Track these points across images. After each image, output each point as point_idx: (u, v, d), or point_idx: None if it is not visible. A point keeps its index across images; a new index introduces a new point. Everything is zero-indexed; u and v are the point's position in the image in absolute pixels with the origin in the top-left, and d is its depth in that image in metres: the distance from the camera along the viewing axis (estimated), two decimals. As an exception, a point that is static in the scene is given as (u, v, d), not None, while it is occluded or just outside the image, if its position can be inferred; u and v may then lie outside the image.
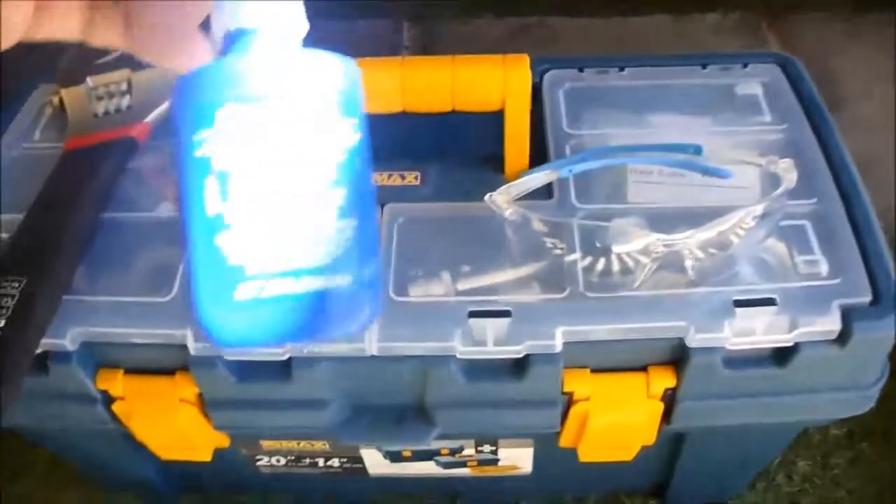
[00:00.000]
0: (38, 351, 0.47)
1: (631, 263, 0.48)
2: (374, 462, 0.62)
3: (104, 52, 0.54)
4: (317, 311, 0.19)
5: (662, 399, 0.49)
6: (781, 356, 0.47)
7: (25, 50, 0.20)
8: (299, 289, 0.18)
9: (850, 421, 0.74)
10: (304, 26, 0.20)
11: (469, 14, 1.10)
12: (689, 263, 0.46)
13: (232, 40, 0.19)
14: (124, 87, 0.58)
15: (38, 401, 0.51)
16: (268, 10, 0.19)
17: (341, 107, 0.19)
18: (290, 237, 0.18)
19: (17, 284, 0.47)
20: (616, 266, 0.47)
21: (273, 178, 0.18)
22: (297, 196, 0.18)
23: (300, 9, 0.20)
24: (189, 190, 0.19)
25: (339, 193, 0.19)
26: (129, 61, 0.56)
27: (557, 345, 0.46)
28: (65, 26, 0.22)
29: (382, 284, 0.47)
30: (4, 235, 0.52)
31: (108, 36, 0.22)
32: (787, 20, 1.14)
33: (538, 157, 0.55)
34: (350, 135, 0.20)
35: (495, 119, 0.53)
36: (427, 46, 1.03)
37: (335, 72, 0.19)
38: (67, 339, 0.48)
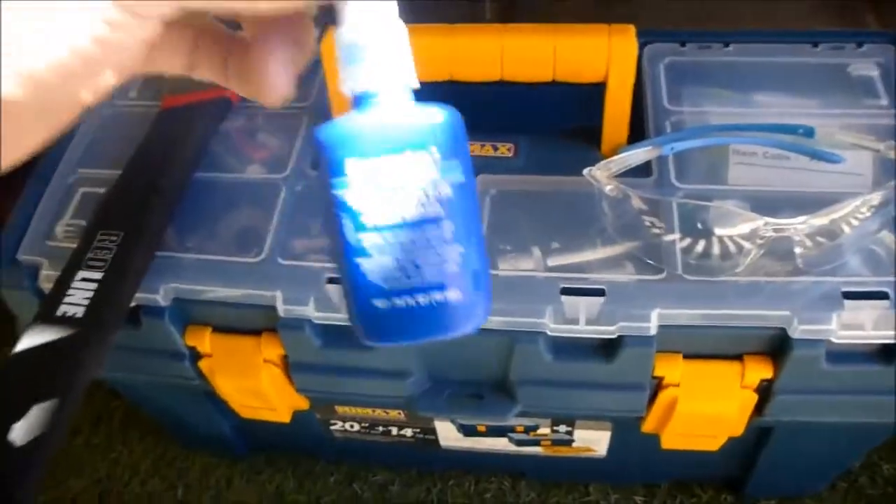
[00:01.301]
0: (132, 305, 0.48)
1: (732, 247, 0.45)
2: (447, 434, 0.62)
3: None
4: (436, 319, 0.25)
5: (757, 390, 0.47)
6: (888, 353, 0.45)
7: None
8: (421, 302, 0.24)
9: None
10: (415, 83, 0.24)
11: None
12: (797, 251, 0.44)
13: (357, 99, 0.24)
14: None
15: (128, 353, 0.52)
16: (385, 76, 0.23)
17: (448, 152, 0.23)
18: (412, 262, 0.24)
19: (114, 238, 0.48)
20: (717, 249, 0.45)
21: (395, 215, 0.23)
22: (413, 229, 0.23)
23: (412, 71, 0.24)
24: (333, 220, 0.24)
25: (448, 226, 0.24)
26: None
27: (652, 327, 0.44)
28: (171, 64, 0.25)
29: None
30: (101, 190, 0.53)
31: (208, 73, 0.25)
32: (890, 5, 1.08)
33: (634, 133, 0.53)
34: (456, 175, 0.24)
35: (593, 92, 0.51)
36: (508, 21, 1.00)
37: (442, 123, 0.24)
38: (160, 295, 0.48)
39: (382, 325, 0.25)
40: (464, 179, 0.24)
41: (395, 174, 0.23)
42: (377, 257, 0.24)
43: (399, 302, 0.24)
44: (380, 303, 0.24)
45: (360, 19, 0.23)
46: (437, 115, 0.24)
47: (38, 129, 0.22)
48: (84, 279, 0.46)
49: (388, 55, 0.23)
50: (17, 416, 0.39)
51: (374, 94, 0.24)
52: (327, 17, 0.25)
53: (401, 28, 0.23)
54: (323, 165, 0.24)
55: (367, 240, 0.24)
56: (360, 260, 0.24)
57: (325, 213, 0.24)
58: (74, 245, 0.48)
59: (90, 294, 0.45)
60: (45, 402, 0.40)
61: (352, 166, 0.23)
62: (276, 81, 0.24)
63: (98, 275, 0.46)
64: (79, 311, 0.44)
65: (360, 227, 0.24)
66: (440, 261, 0.24)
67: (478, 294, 0.25)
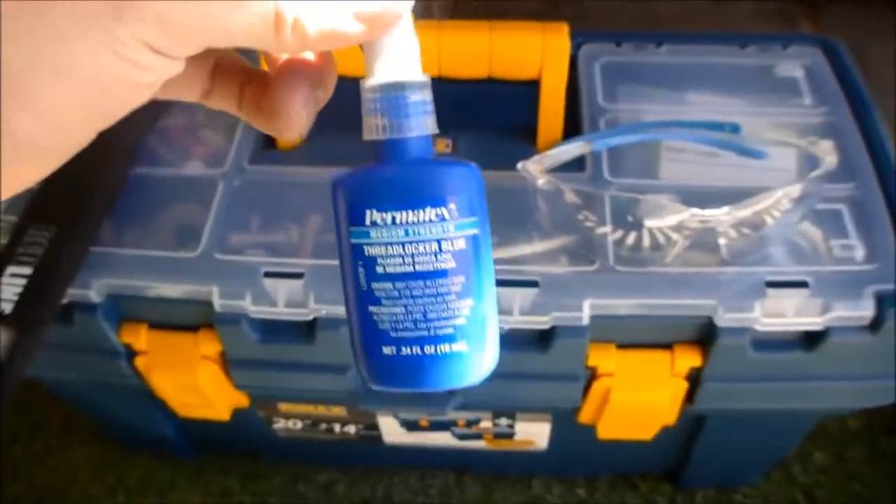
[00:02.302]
0: (64, 301, 0.48)
1: (662, 239, 0.47)
2: (390, 430, 0.62)
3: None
4: (442, 369, 0.25)
5: (687, 378, 0.49)
6: (810, 340, 0.47)
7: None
8: (427, 352, 0.24)
9: (869, 414, 0.74)
10: (435, 130, 0.25)
11: (500, -10, 1.09)
12: (722, 242, 0.45)
13: (379, 149, 0.24)
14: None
15: (61, 352, 0.51)
16: (408, 128, 0.24)
17: (465, 208, 0.24)
18: (421, 312, 0.24)
19: (45, 233, 0.47)
20: (647, 241, 0.47)
21: (408, 266, 0.24)
22: (425, 281, 0.24)
23: (432, 120, 0.24)
24: (347, 265, 0.25)
25: (459, 279, 0.24)
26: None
27: (585, 317, 0.45)
28: (188, 93, 0.25)
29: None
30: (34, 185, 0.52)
31: (223, 103, 0.25)
32: (823, 9, 1.12)
33: (570, 130, 0.54)
34: (469, 231, 0.24)
35: (529, 90, 0.52)
36: (455, 18, 1.02)
37: (462, 179, 0.24)
38: (93, 291, 0.48)
39: (388, 372, 0.25)
40: (479, 232, 0.25)
41: (413, 227, 0.24)
42: (387, 304, 0.24)
43: (406, 350, 0.24)
44: (387, 350, 0.25)
45: (387, 70, 0.23)
46: (459, 171, 0.24)
47: (48, 161, 0.22)
48: (13, 275, 0.45)
49: (414, 107, 0.24)
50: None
51: (396, 145, 0.24)
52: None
53: (426, 79, 0.24)
54: (341, 212, 0.24)
55: (380, 288, 0.24)
56: (371, 307, 0.24)
57: (339, 258, 0.25)
58: (4, 241, 0.47)
59: (19, 290, 0.45)
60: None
61: (370, 217, 0.24)
62: (297, 118, 0.24)
63: (28, 270, 0.45)
64: (7, 308, 0.44)
65: (373, 275, 0.24)
66: (449, 313, 0.24)
67: (485, 347, 0.25)
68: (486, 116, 0.55)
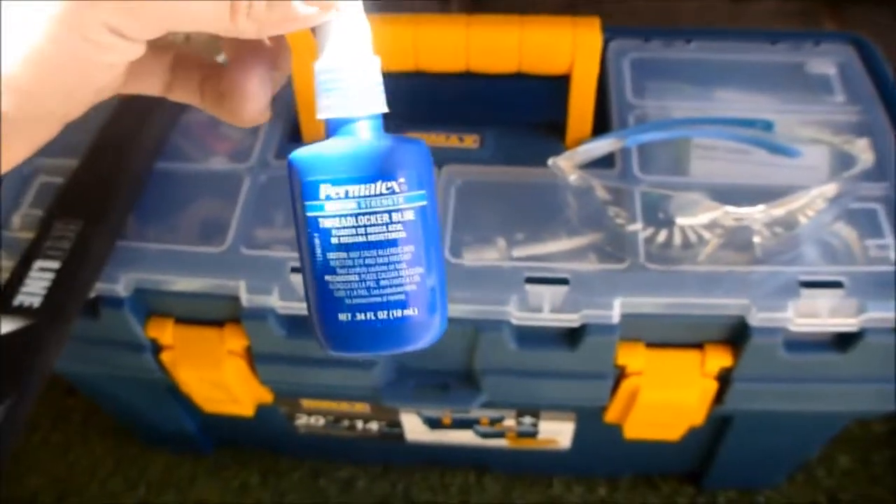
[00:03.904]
0: (91, 295, 0.47)
1: (693, 237, 0.46)
2: (413, 428, 0.61)
3: None
4: (394, 334, 0.26)
5: (717, 378, 0.48)
6: (844, 342, 0.46)
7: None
8: (381, 318, 0.26)
9: (894, 418, 0.73)
10: (385, 110, 0.26)
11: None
12: (756, 240, 0.44)
13: (331, 126, 0.26)
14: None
15: (87, 345, 0.51)
16: (358, 105, 0.25)
17: (414, 181, 0.25)
18: (374, 280, 0.26)
19: (73, 227, 0.47)
20: (678, 239, 0.46)
21: (361, 236, 0.25)
22: (378, 250, 0.25)
23: (382, 97, 0.26)
24: (303, 237, 0.26)
25: (409, 248, 0.26)
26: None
27: (615, 315, 0.45)
28: (149, 85, 0.26)
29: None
30: (59, 179, 0.52)
31: (184, 95, 0.27)
32: (845, 8, 1.11)
33: (598, 126, 0.54)
34: (419, 203, 0.26)
35: (558, 85, 0.52)
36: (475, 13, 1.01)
37: (406, 155, 0.26)
38: (121, 285, 0.48)
39: (344, 337, 0.26)
40: (427, 204, 0.26)
41: (364, 200, 0.25)
42: (342, 273, 0.26)
43: (360, 316, 0.26)
44: (343, 316, 0.26)
45: (337, 51, 0.25)
46: (408, 147, 0.26)
47: (17, 145, 0.22)
48: (42, 269, 0.45)
49: (363, 86, 0.25)
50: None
51: (348, 122, 0.26)
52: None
53: (374, 60, 0.25)
54: (297, 187, 0.26)
55: (334, 257, 0.26)
56: (327, 276, 0.26)
57: (296, 230, 0.26)
58: (31, 235, 0.47)
59: (48, 283, 0.44)
60: (1, 394, 0.39)
61: (324, 190, 0.25)
62: (252, 101, 0.25)
63: (56, 264, 0.45)
64: (36, 301, 0.44)
65: (328, 246, 0.26)
66: (400, 280, 0.26)
67: (433, 312, 0.27)
68: (514, 111, 0.54)
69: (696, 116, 0.53)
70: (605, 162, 0.51)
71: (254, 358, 0.50)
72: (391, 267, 0.26)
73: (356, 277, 0.26)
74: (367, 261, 0.26)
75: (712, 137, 0.51)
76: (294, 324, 0.48)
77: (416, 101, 0.54)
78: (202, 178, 0.53)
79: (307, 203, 0.25)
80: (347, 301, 0.26)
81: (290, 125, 0.56)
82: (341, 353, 0.27)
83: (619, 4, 1.07)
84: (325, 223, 0.25)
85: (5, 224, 0.50)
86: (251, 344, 0.49)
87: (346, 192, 0.25)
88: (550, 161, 0.46)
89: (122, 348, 0.51)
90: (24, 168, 0.53)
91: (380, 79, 0.26)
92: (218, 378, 0.51)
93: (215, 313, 0.49)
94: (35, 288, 0.44)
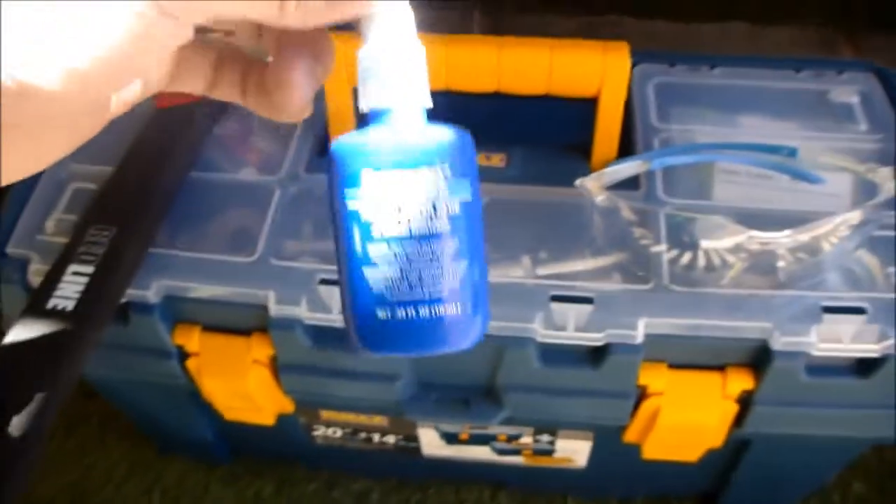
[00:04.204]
0: (123, 300, 0.48)
1: (717, 260, 0.47)
2: (430, 442, 0.62)
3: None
4: (434, 332, 0.25)
5: (737, 401, 0.48)
6: (865, 367, 0.46)
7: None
8: (422, 314, 0.25)
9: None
10: (429, 103, 0.25)
11: (539, 9, 1.09)
12: (780, 265, 0.45)
13: (374, 115, 0.25)
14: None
15: (115, 350, 0.52)
16: (401, 94, 0.25)
17: (459, 171, 0.24)
18: (416, 274, 0.24)
19: (106, 234, 0.48)
20: (702, 261, 0.47)
21: (403, 227, 0.24)
22: (421, 243, 0.24)
23: (426, 90, 0.25)
24: (342, 230, 0.25)
25: (454, 241, 0.24)
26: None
27: (639, 335, 0.45)
28: (194, 83, 0.26)
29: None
30: (93, 186, 0.53)
31: (228, 93, 0.26)
32: (863, 35, 1.12)
33: (623, 149, 0.55)
34: (464, 194, 0.25)
35: (585, 107, 0.53)
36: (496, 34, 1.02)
37: (456, 142, 0.25)
38: (151, 291, 0.48)
39: (380, 335, 0.25)
40: (471, 199, 0.25)
41: (408, 188, 0.24)
42: (382, 267, 0.24)
43: (400, 313, 0.25)
44: (382, 313, 0.25)
45: (382, 39, 0.24)
46: (452, 135, 0.25)
47: (60, 136, 0.23)
48: (75, 273, 0.46)
49: (407, 74, 0.25)
50: (5, 409, 0.39)
51: (391, 111, 0.25)
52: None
53: (419, 49, 0.25)
54: (335, 176, 0.25)
55: (375, 250, 0.24)
56: (365, 269, 0.25)
57: (333, 222, 0.25)
58: (64, 240, 0.48)
59: (81, 288, 0.45)
60: (33, 395, 0.40)
61: (366, 178, 0.24)
62: (296, 95, 0.25)
63: (89, 269, 0.46)
64: (69, 305, 0.44)
65: (369, 238, 0.24)
66: (444, 275, 0.25)
67: (477, 311, 0.26)
68: (541, 132, 0.55)
69: (720, 141, 0.53)
70: (630, 184, 0.51)
71: (279, 368, 0.51)
72: (435, 261, 0.24)
73: (397, 271, 0.24)
74: (410, 254, 0.24)
75: (736, 162, 0.51)
76: (321, 334, 0.49)
77: (444, 119, 0.55)
78: (233, 189, 0.54)
79: (347, 192, 0.24)
80: (387, 297, 0.25)
81: (319, 140, 0.57)
82: (378, 353, 0.26)
83: (639, 24, 1.08)
84: (366, 214, 0.24)
85: (39, 229, 0.51)
86: (277, 353, 0.50)
87: (389, 180, 0.24)
88: (578, 182, 0.47)
89: (149, 354, 0.52)
90: (59, 174, 0.54)
91: (425, 70, 0.25)
92: (242, 387, 0.52)
93: (242, 322, 0.50)
94: (69, 292, 0.45)
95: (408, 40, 0.24)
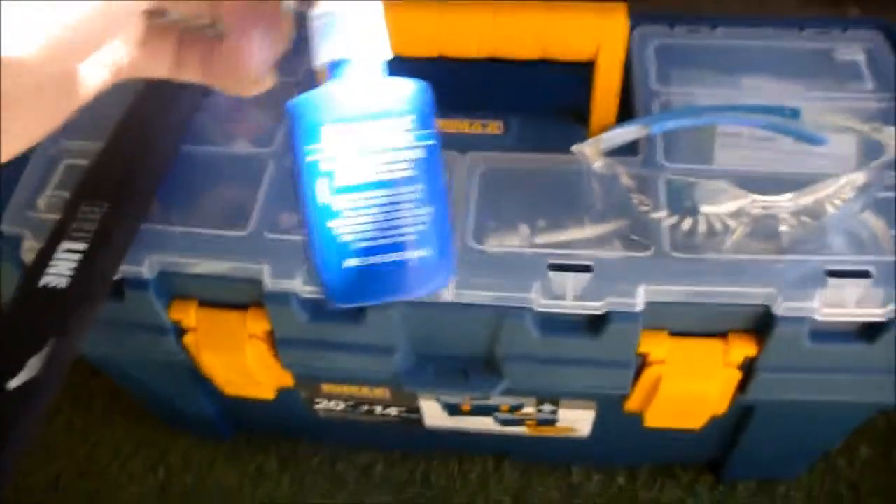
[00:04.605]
0: (116, 277, 0.48)
1: (718, 225, 0.46)
2: (432, 413, 0.62)
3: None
4: (405, 276, 0.26)
5: (740, 368, 0.48)
6: (870, 332, 0.46)
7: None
8: (390, 259, 0.25)
9: (917, 410, 0.72)
10: (388, 55, 0.25)
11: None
12: (783, 229, 0.44)
13: (332, 68, 0.25)
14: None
15: (111, 327, 0.52)
16: (359, 44, 0.25)
17: (417, 121, 0.25)
18: (382, 222, 0.25)
19: (97, 210, 0.47)
20: (703, 227, 0.46)
21: (366, 177, 0.25)
22: (386, 190, 0.25)
23: (386, 41, 0.25)
24: (304, 185, 0.25)
25: (419, 187, 0.25)
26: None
27: (639, 303, 0.44)
28: (157, 67, 0.26)
29: (462, 232, 0.47)
30: (84, 161, 0.52)
31: (192, 73, 0.27)
32: (871, -3, 1.09)
33: (622, 113, 0.53)
34: (427, 141, 0.25)
35: (582, 72, 0.51)
36: None
37: (412, 93, 0.25)
38: (145, 267, 0.48)
39: (352, 286, 0.25)
40: (433, 145, 0.25)
41: (372, 138, 0.24)
42: (351, 217, 0.25)
43: (370, 260, 0.25)
44: (352, 262, 0.25)
45: None
46: (414, 85, 0.25)
47: (36, 112, 0.23)
48: (68, 250, 0.45)
49: (364, 25, 0.25)
50: (-1, 386, 0.39)
51: (349, 62, 0.25)
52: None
53: (376, 3, 0.25)
54: (297, 133, 0.25)
55: (341, 201, 0.25)
56: (332, 222, 0.25)
57: (295, 178, 0.25)
58: (57, 216, 0.47)
59: (74, 265, 0.45)
60: (27, 374, 0.40)
61: (326, 131, 0.24)
62: (251, 64, 0.25)
63: (82, 245, 0.46)
64: (62, 282, 0.44)
65: (334, 190, 0.25)
66: (411, 220, 0.25)
67: (444, 254, 0.26)
68: (537, 98, 0.54)
69: (721, 104, 0.52)
70: (629, 149, 0.50)
71: (276, 342, 0.50)
72: (401, 206, 0.25)
73: (364, 219, 0.25)
74: (376, 201, 0.25)
75: (738, 124, 0.50)
76: (317, 308, 0.48)
77: (439, 86, 0.53)
78: (226, 162, 0.53)
79: (307, 147, 0.25)
80: (355, 245, 0.25)
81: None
82: (350, 302, 0.26)
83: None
84: (328, 167, 0.24)
85: (32, 206, 0.51)
86: (273, 328, 0.49)
87: (349, 132, 0.24)
88: (575, 148, 0.46)
89: (146, 331, 0.52)
90: (50, 150, 0.54)
91: (383, 22, 0.25)
92: (240, 361, 0.52)
93: (238, 297, 0.49)
94: (62, 269, 0.44)
95: None
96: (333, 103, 0.24)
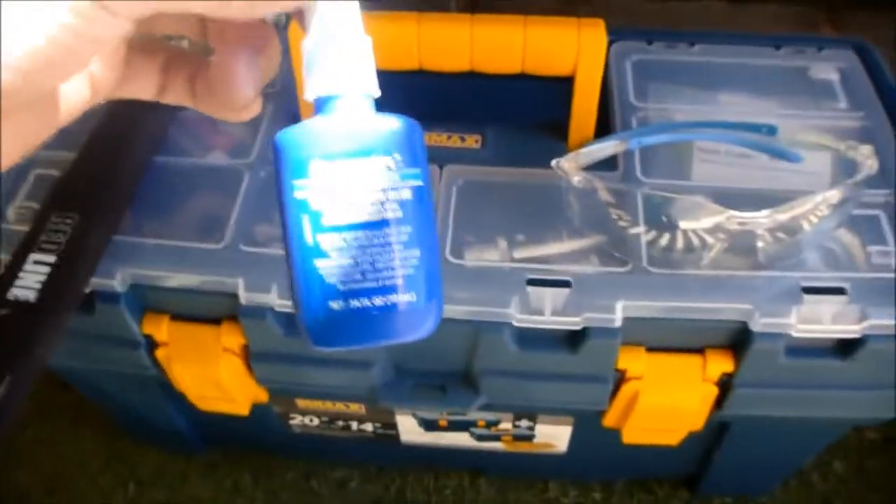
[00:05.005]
0: (87, 290, 0.47)
1: (696, 241, 0.46)
2: (408, 429, 0.61)
3: None
4: (390, 321, 0.24)
5: (717, 384, 0.48)
6: (846, 348, 0.46)
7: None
8: (377, 304, 0.24)
9: (888, 425, 0.73)
10: (377, 92, 0.25)
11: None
12: (760, 245, 0.44)
13: (320, 105, 0.24)
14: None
15: (81, 340, 0.51)
16: (347, 82, 0.24)
17: (410, 159, 0.24)
18: (369, 263, 0.24)
19: (69, 221, 0.46)
20: (680, 243, 0.46)
21: (356, 216, 0.24)
22: (373, 231, 0.24)
23: (374, 78, 0.25)
24: (290, 222, 0.24)
25: (406, 229, 0.24)
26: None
27: (617, 319, 0.44)
28: (142, 88, 0.26)
29: (440, 246, 0.46)
30: (55, 172, 0.51)
31: (177, 96, 0.26)
32: (844, 15, 1.11)
33: (600, 128, 0.53)
34: (414, 182, 0.24)
35: (561, 87, 0.51)
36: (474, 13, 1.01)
37: (406, 130, 0.24)
38: (117, 280, 0.47)
39: (335, 328, 0.24)
40: (422, 185, 0.25)
41: (357, 177, 0.24)
42: (335, 258, 0.24)
43: (355, 303, 0.24)
44: (335, 304, 0.24)
45: (327, 27, 0.24)
46: (401, 123, 0.24)
47: (14, 134, 0.22)
48: (37, 262, 0.44)
49: (353, 62, 0.24)
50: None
51: (338, 98, 0.24)
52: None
53: (366, 38, 0.24)
54: (283, 167, 0.24)
55: (326, 241, 0.24)
56: (317, 262, 0.24)
57: (281, 214, 0.25)
58: (27, 228, 0.46)
59: (43, 278, 0.44)
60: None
61: (315, 167, 0.24)
62: (240, 87, 0.24)
63: (51, 258, 0.45)
64: (31, 295, 0.43)
65: (320, 228, 0.24)
66: (398, 263, 0.24)
67: (431, 298, 0.25)
68: (516, 112, 0.54)
69: (699, 120, 0.52)
70: (608, 164, 0.50)
71: (250, 356, 0.50)
72: (387, 249, 0.24)
73: (350, 261, 0.24)
74: (362, 242, 0.24)
75: (716, 141, 0.51)
76: (292, 322, 0.47)
77: (418, 99, 0.53)
78: (201, 173, 0.52)
79: (295, 182, 0.24)
80: (340, 287, 0.24)
81: (292, 122, 0.55)
82: (333, 346, 0.25)
83: (618, 2, 1.07)
84: (315, 203, 0.24)
85: (1, 216, 0.50)
86: (248, 342, 0.49)
87: (339, 170, 0.23)
88: (554, 162, 0.46)
89: (117, 344, 0.51)
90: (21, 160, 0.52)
91: (372, 59, 0.25)
92: (213, 376, 0.51)
93: (212, 310, 0.49)
94: (30, 282, 0.43)
95: (353, 28, 0.24)
96: (322, 139, 0.24)
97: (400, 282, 0.24)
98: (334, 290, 0.24)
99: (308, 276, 0.24)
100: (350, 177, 0.23)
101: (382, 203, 0.24)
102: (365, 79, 0.24)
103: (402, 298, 0.24)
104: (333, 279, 0.24)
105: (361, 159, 0.23)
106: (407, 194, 0.24)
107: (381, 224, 0.24)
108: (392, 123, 0.24)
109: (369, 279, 0.24)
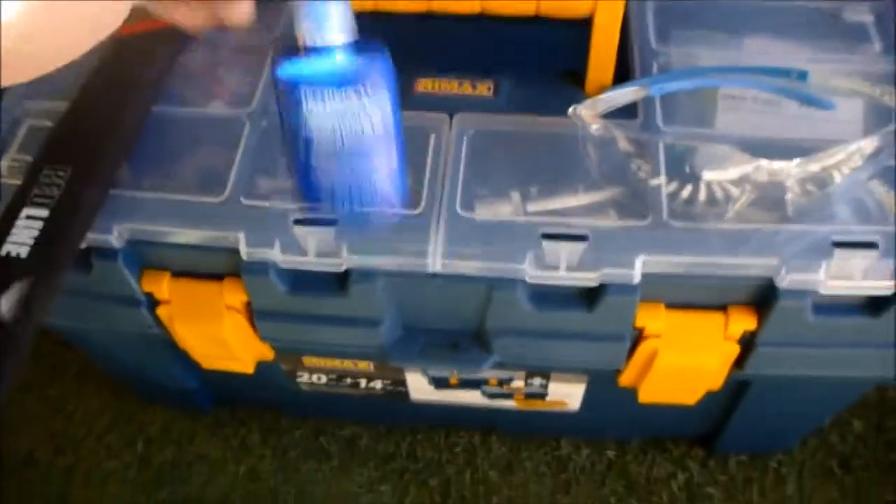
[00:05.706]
0: (83, 246, 0.45)
1: (720, 194, 0.44)
2: (418, 387, 0.60)
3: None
4: (365, 197, 0.38)
5: (739, 342, 0.46)
6: (876, 305, 0.44)
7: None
8: (353, 182, 0.38)
9: (910, 384, 0.71)
10: (355, 35, 0.35)
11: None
12: (788, 197, 0.42)
13: (307, 49, 0.34)
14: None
15: (79, 299, 0.49)
16: (331, 31, 0.34)
17: (379, 87, 0.35)
18: (349, 166, 0.37)
19: (62, 174, 0.44)
20: (703, 195, 0.44)
21: (339, 130, 0.36)
22: (355, 138, 0.36)
23: (353, 24, 0.35)
24: (291, 130, 0.36)
25: (377, 135, 0.36)
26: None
27: (636, 275, 0.42)
28: None
29: (450, 199, 0.44)
30: (49, 123, 0.49)
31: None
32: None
33: (619, 75, 0.51)
34: (385, 103, 0.36)
35: (578, 31, 0.48)
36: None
37: (378, 65, 0.35)
38: (114, 235, 0.45)
39: (320, 193, 0.38)
40: (392, 104, 0.36)
41: (340, 102, 0.35)
42: (322, 153, 0.36)
43: (336, 176, 0.37)
44: (321, 175, 0.37)
45: None
46: (372, 60, 0.35)
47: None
48: (29, 216, 0.42)
49: (335, 15, 0.34)
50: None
51: (328, 47, 0.34)
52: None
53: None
54: (282, 93, 0.35)
55: (315, 140, 0.36)
56: (309, 154, 0.36)
57: (282, 111, 0.36)
58: (19, 181, 0.44)
59: (35, 233, 0.42)
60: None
61: (305, 93, 0.35)
62: None
63: (44, 212, 0.43)
64: (23, 251, 0.41)
65: (311, 131, 0.36)
66: (372, 155, 0.36)
67: (397, 186, 0.38)
68: (530, 58, 0.51)
69: (723, 65, 0.49)
70: (627, 112, 0.48)
71: (254, 314, 0.48)
72: (364, 151, 0.36)
73: (331, 157, 0.36)
74: (342, 146, 0.36)
75: (742, 86, 0.48)
76: (296, 279, 0.46)
77: (428, 45, 0.51)
78: (201, 124, 0.50)
79: (294, 107, 0.35)
80: (324, 164, 0.37)
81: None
82: (316, 202, 0.38)
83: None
84: (310, 125, 0.35)
85: (-6, 170, 0.48)
86: (251, 299, 0.47)
87: (323, 97, 0.34)
88: (571, 110, 0.43)
89: (117, 302, 0.49)
90: (14, 111, 0.50)
91: (350, 9, 0.34)
92: (216, 334, 0.49)
93: (214, 267, 0.47)
94: (23, 237, 0.42)
95: None
96: (312, 73, 0.34)
97: (371, 169, 0.37)
98: (320, 165, 0.37)
99: (304, 161, 0.36)
100: (333, 102, 0.35)
101: (362, 123, 0.35)
102: (346, 29, 0.34)
103: (374, 177, 0.38)
104: (320, 163, 0.37)
105: (339, 90, 0.35)
106: (380, 109, 0.35)
107: (360, 134, 0.36)
108: (367, 61, 0.35)
109: (345, 163, 0.36)
